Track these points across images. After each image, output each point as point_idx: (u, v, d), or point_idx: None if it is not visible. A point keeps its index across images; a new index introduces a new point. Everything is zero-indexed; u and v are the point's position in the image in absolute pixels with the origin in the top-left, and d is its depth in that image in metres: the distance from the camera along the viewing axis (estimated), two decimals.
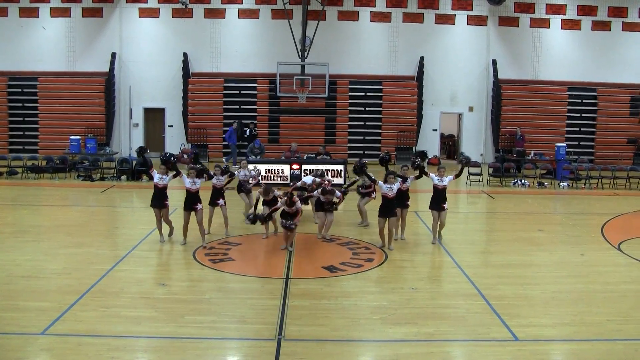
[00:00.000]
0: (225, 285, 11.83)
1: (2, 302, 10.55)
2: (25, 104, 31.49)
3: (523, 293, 11.61)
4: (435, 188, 14.92)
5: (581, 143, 32.16)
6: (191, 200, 14.54)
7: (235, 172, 16.70)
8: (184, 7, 30.44)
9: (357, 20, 32.29)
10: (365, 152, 30.43)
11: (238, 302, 10.95)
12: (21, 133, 31.51)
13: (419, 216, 18.50)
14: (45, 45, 31.85)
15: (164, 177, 14.66)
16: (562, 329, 9.90)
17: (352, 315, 10.32)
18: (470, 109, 32.98)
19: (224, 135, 29.99)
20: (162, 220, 14.75)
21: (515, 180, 25.56)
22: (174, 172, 14.62)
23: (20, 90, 31.52)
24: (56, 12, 31.82)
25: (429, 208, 15.20)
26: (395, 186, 14.41)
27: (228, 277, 12.31)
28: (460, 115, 33.38)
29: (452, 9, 32.35)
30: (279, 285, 11.69)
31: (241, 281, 12.09)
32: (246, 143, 28.42)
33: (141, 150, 15.84)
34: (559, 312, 10.64)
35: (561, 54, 32.65)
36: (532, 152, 28.75)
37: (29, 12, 31.80)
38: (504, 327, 9.84)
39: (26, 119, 31.48)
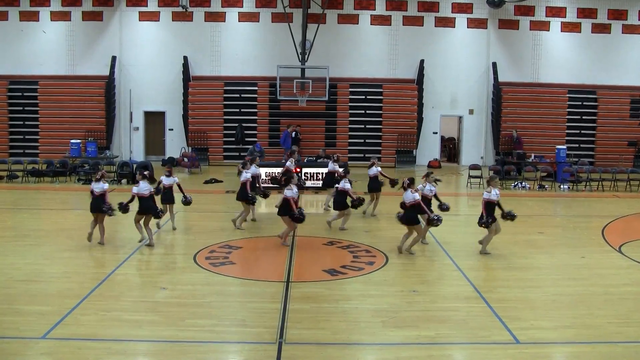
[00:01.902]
0: (225, 288, 11.82)
1: (2, 306, 10.54)
2: (26, 108, 31.51)
3: (524, 296, 11.60)
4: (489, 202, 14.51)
5: (581, 145, 32.16)
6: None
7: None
8: (184, 10, 30.47)
9: (357, 23, 32.30)
10: (366, 155, 30.45)
11: (239, 305, 10.95)
12: (21, 137, 31.51)
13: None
14: (46, 49, 31.87)
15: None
16: (563, 331, 9.90)
17: (353, 319, 10.32)
18: (471, 111, 32.98)
19: (279, 140, 29.94)
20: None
21: (516, 183, 25.55)
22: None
23: (20, 94, 31.53)
24: (56, 16, 31.84)
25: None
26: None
27: (229, 280, 12.29)
28: (460, 118, 33.38)
29: (452, 12, 32.35)
30: (280, 289, 11.68)
31: (242, 284, 12.08)
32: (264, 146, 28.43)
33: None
34: (559, 314, 10.63)
35: (561, 57, 32.64)
36: (533, 154, 28.74)
37: (29, 16, 31.81)
38: (505, 330, 9.83)
39: (26, 122, 31.50)
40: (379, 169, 18.64)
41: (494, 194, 14.27)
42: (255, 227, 17.05)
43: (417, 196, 14.12)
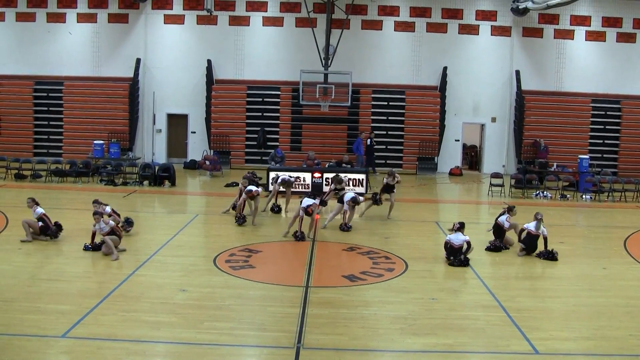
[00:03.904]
0: (245, 292, 11.87)
1: (23, 304, 10.67)
2: (50, 108, 31.74)
3: (543, 306, 11.55)
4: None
5: (604, 155, 31.84)
6: None
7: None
8: (208, 14, 30.59)
9: (381, 29, 32.27)
10: (387, 162, 30.48)
11: (257, 309, 10.99)
12: (46, 137, 31.76)
13: (439, 227, 18.47)
14: (71, 50, 32.11)
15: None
16: (583, 342, 9.84)
17: (371, 325, 10.33)
18: (493, 119, 32.80)
19: (352, 147, 30.14)
20: None
21: (537, 192, 25.41)
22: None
23: (45, 94, 31.80)
24: (82, 18, 32.08)
25: None
26: None
27: (248, 284, 12.34)
28: (482, 125, 33.20)
29: (476, 19, 32.22)
30: (299, 294, 11.71)
31: (261, 288, 12.12)
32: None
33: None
34: (579, 325, 10.57)
35: (585, 66, 32.38)
36: (555, 164, 28.56)
37: (56, 18, 32.09)
38: (524, 339, 9.80)
39: (51, 122, 31.73)
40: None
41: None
42: (274, 232, 17.07)
43: (467, 237, 14.47)
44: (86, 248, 14.49)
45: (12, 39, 32.27)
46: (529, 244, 15.27)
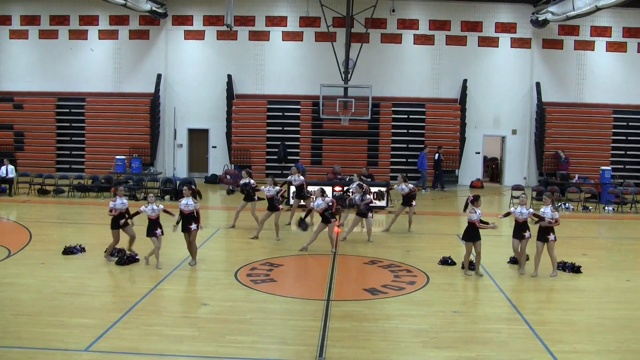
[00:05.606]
0: (266, 306, 11.87)
1: (47, 318, 10.74)
2: (73, 124, 32.08)
3: (566, 318, 11.46)
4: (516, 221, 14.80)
5: (627, 167, 31.61)
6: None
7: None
8: (228, 29, 30.73)
9: (401, 42, 32.30)
10: (409, 175, 30.38)
11: (279, 322, 10.99)
12: (68, 152, 32.06)
13: (460, 239, 18.38)
14: (93, 67, 32.46)
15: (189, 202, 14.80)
16: (607, 356, 9.74)
17: (393, 338, 10.30)
18: (514, 131, 32.68)
19: (416, 161, 30.48)
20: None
21: (559, 204, 25.23)
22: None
23: (68, 110, 32.13)
24: (104, 34, 32.44)
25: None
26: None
27: (269, 297, 12.35)
28: (503, 138, 33.09)
29: (495, 32, 32.17)
30: (320, 307, 11.70)
31: (282, 302, 12.12)
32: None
33: None
34: (603, 338, 10.47)
35: (606, 77, 32.19)
36: (577, 175, 28.39)
37: (78, 34, 32.46)
38: (546, 352, 9.72)
39: (73, 138, 32.05)
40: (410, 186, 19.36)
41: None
42: (296, 246, 17.06)
43: (474, 216, 14.31)
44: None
45: (35, 56, 32.73)
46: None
